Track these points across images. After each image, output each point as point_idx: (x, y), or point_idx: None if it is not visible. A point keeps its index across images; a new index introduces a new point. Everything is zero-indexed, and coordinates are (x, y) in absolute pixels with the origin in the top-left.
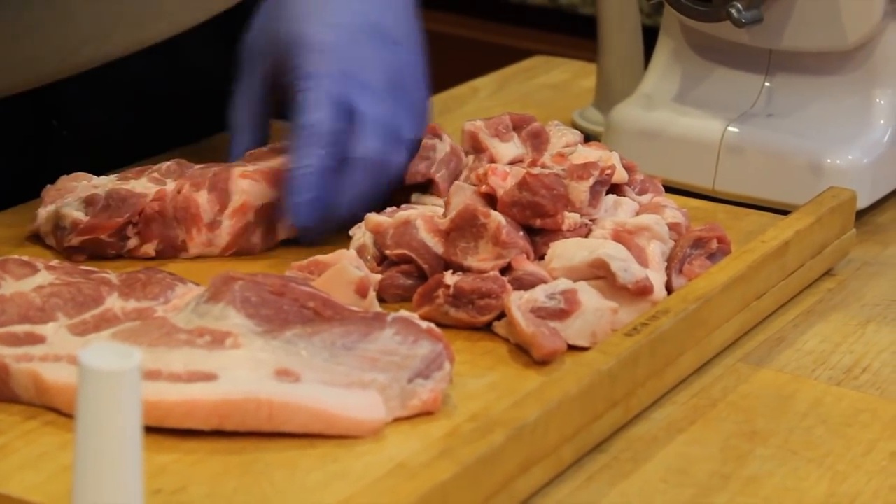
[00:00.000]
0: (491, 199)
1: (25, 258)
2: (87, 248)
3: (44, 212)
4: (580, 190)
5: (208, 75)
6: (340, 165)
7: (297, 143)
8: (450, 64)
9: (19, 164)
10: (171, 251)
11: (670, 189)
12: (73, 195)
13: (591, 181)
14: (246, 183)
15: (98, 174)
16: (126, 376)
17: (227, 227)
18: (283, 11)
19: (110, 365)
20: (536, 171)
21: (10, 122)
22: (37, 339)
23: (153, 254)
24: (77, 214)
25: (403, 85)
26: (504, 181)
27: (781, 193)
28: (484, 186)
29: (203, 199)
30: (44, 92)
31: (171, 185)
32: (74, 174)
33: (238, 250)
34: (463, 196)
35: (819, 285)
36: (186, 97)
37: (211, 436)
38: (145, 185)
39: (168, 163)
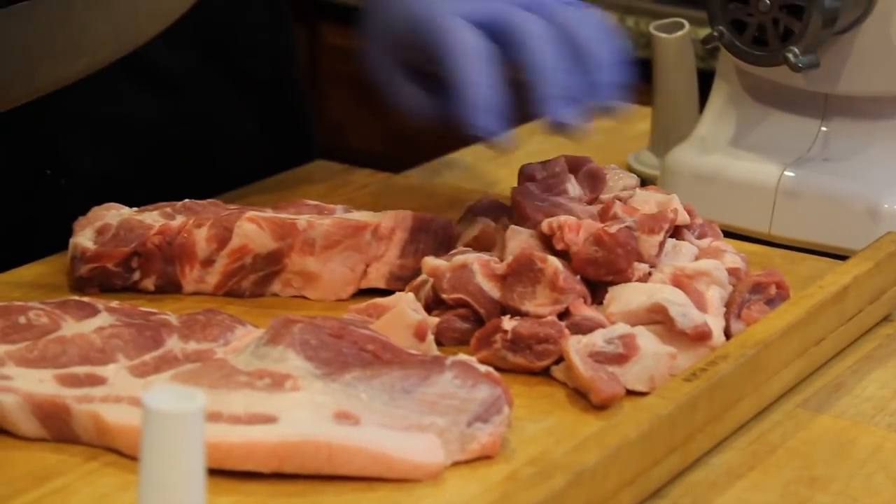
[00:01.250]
0: (547, 240)
1: (86, 299)
2: (96, 279)
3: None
4: (651, 244)
5: (209, 120)
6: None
7: (458, 69)
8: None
9: (18, 216)
10: (170, 287)
11: (726, 233)
12: (91, 226)
13: (662, 235)
14: (250, 227)
15: None
16: (190, 418)
17: (220, 266)
18: (399, 8)
19: (174, 407)
20: (611, 227)
21: (3, 172)
22: (97, 381)
23: (152, 288)
24: (87, 244)
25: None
26: (578, 236)
27: (838, 238)
28: (560, 245)
29: (202, 235)
30: (37, 140)
31: (179, 221)
32: (106, 204)
33: (227, 291)
34: (519, 240)
35: (877, 331)
36: (188, 143)
37: (270, 478)
38: (156, 217)
39: (187, 200)
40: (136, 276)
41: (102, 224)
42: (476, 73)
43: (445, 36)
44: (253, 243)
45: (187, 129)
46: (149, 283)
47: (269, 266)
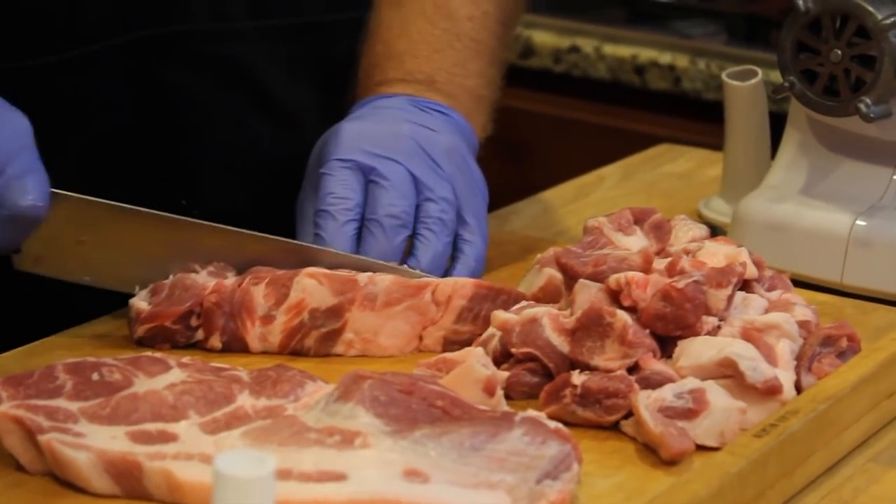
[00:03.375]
0: (615, 295)
1: (158, 355)
2: (157, 338)
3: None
4: (719, 298)
5: None
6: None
7: (319, 217)
8: (573, 148)
9: None
10: (238, 344)
11: (797, 283)
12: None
13: (731, 289)
14: (309, 282)
15: None
16: (261, 483)
17: (280, 324)
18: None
19: (245, 472)
20: (679, 282)
21: (140, 202)
22: (169, 438)
23: (219, 346)
24: (142, 304)
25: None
26: (645, 292)
27: None
28: (627, 301)
29: (259, 292)
30: (174, 170)
31: (230, 279)
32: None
33: (292, 351)
34: (588, 294)
35: None
36: None
37: None
38: (205, 277)
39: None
40: (200, 334)
41: (156, 285)
42: (327, 226)
43: (324, 179)
44: (311, 298)
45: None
46: (215, 341)
47: (330, 322)
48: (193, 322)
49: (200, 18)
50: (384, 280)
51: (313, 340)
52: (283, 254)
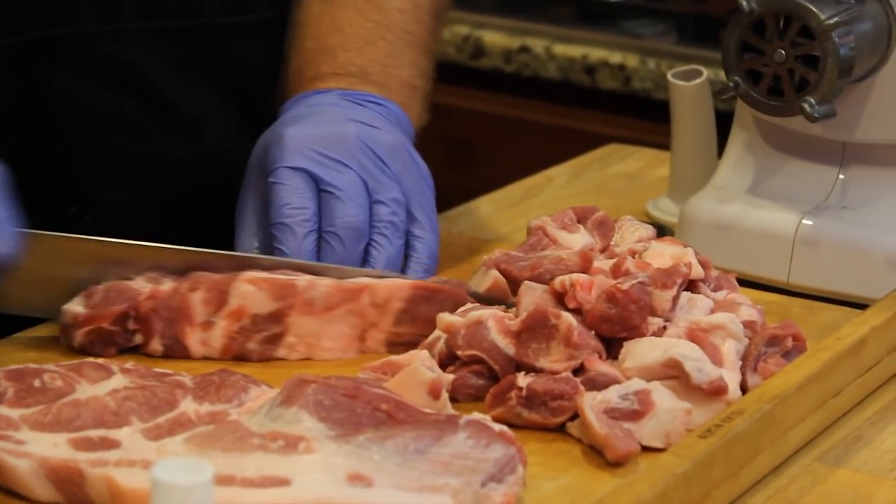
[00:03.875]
0: (560, 297)
1: (100, 361)
2: (96, 342)
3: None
4: (664, 299)
5: (230, 162)
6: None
7: (278, 230)
8: (523, 148)
9: None
10: (178, 347)
11: (744, 282)
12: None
13: (676, 290)
14: (248, 288)
15: None
16: (197, 491)
17: (221, 329)
18: (277, 122)
19: (182, 479)
20: (624, 284)
21: (28, 211)
22: (111, 444)
23: (160, 349)
24: (77, 309)
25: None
26: (590, 294)
27: (857, 287)
28: (572, 303)
29: (198, 299)
30: (62, 177)
31: (167, 285)
32: None
33: (234, 355)
34: (533, 296)
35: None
36: (210, 185)
37: None
38: (140, 283)
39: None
40: (139, 338)
41: (89, 290)
42: (288, 239)
43: (276, 189)
44: (251, 304)
45: (209, 172)
46: (156, 345)
47: (271, 326)
48: (131, 326)
49: (85, 20)
50: (323, 285)
51: (256, 344)
52: (218, 260)
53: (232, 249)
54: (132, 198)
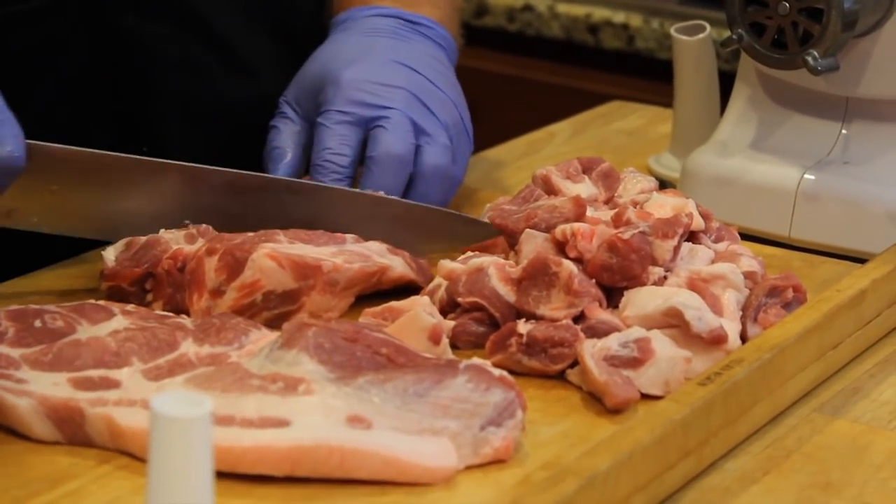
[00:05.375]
0: (562, 247)
1: (101, 303)
2: (115, 298)
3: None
4: (665, 249)
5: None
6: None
7: (315, 170)
8: (527, 107)
9: None
10: (178, 314)
11: (746, 236)
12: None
13: (676, 240)
14: (269, 264)
15: None
16: (197, 423)
17: (230, 299)
18: (324, 54)
19: (181, 412)
20: (625, 233)
21: (89, 144)
22: (111, 384)
23: (167, 314)
24: (109, 257)
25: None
26: (591, 244)
27: (858, 241)
28: (573, 253)
29: (211, 265)
30: (130, 120)
31: (197, 245)
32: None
33: None
34: (534, 244)
35: (895, 335)
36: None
37: (283, 482)
38: (180, 239)
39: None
40: (149, 297)
41: (131, 240)
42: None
43: (323, 131)
44: (268, 280)
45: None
46: (158, 308)
47: (285, 304)
48: (148, 285)
49: None
50: (350, 269)
51: (262, 320)
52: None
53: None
54: (191, 136)
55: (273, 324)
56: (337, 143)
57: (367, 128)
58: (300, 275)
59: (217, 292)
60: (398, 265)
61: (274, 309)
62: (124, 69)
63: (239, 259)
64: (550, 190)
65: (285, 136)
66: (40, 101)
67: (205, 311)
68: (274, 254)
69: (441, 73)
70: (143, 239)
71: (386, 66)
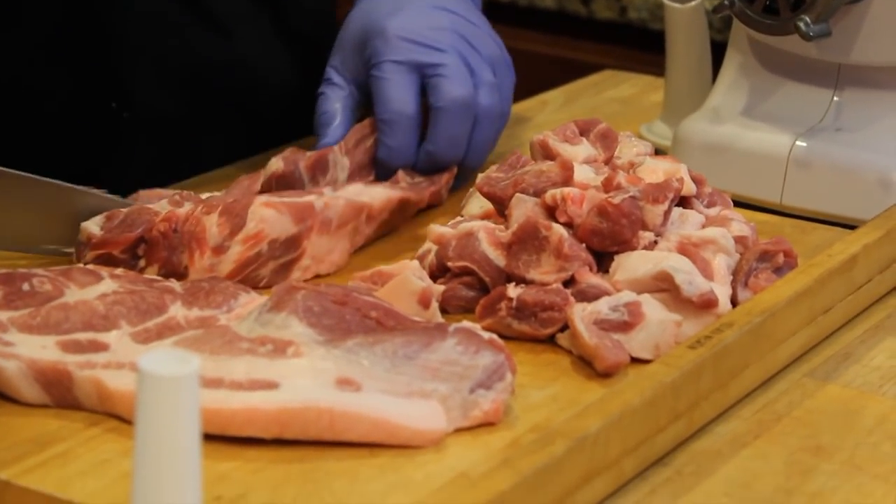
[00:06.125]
0: (552, 211)
1: (90, 266)
2: (102, 266)
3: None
4: (655, 213)
5: (256, 68)
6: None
7: (384, 125)
8: (519, 78)
9: (83, 150)
10: (174, 277)
11: (738, 203)
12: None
13: (667, 205)
14: (268, 212)
15: (164, 160)
16: (184, 382)
17: (235, 254)
18: (360, 12)
19: (168, 371)
20: (615, 198)
21: (70, 106)
22: (100, 347)
23: (156, 277)
24: (93, 229)
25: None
26: (581, 208)
27: (849, 208)
28: (563, 217)
29: (212, 221)
30: (104, 73)
31: (186, 208)
32: (154, 190)
33: (243, 280)
34: (524, 208)
35: (887, 300)
36: (238, 89)
37: (272, 444)
38: (164, 206)
39: (190, 192)
40: (142, 263)
41: (112, 211)
42: (394, 134)
43: (382, 84)
44: (270, 228)
45: (237, 75)
46: (152, 273)
47: (288, 252)
48: (140, 251)
49: None
50: (338, 203)
51: (269, 271)
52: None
53: (261, 150)
54: (168, 97)
55: (279, 275)
56: (399, 92)
57: (422, 74)
58: (298, 217)
59: (220, 248)
60: (378, 194)
61: (279, 258)
62: (97, 22)
63: (239, 213)
64: (549, 155)
65: (332, 101)
66: (11, 52)
67: (207, 270)
68: (269, 202)
69: (474, 12)
70: (123, 210)
71: (427, 11)
